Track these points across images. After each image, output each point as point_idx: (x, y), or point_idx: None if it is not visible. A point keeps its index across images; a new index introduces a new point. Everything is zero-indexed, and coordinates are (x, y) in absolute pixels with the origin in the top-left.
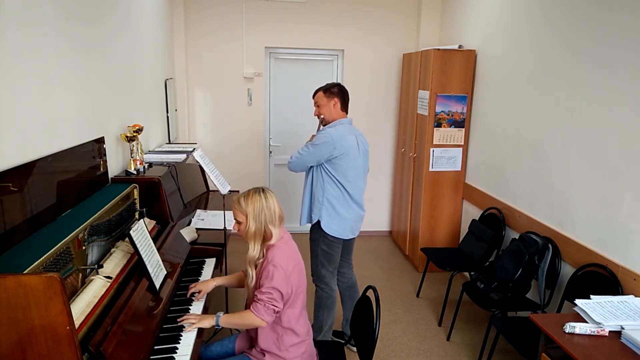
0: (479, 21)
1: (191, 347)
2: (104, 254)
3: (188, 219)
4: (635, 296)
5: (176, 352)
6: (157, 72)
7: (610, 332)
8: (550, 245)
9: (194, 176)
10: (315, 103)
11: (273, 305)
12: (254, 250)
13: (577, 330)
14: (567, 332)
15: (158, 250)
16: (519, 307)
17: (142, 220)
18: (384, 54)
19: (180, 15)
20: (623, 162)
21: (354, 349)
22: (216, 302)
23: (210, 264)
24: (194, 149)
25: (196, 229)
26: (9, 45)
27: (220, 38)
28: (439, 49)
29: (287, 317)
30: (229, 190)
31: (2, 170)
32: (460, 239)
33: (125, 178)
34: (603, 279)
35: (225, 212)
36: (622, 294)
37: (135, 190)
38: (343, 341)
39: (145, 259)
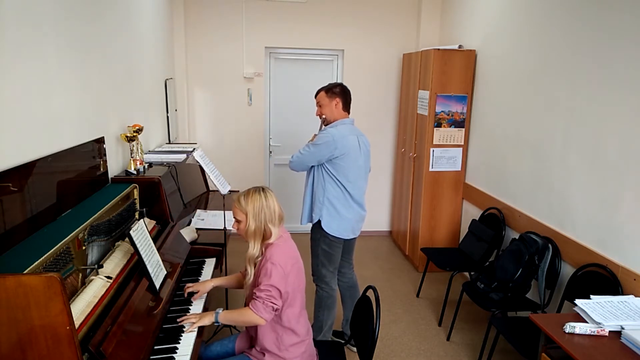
0: (479, 21)
1: (191, 347)
2: (104, 254)
3: (188, 219)
4: (635, 296)
5: (176, 352)
6: (157, 72)
7: (610, 332)
8: (550, 245)
9: (194, 176)
10: (317, 103)
11: (272, 302)
12: (254, 248)
13: (577, 330)
14: (567, 332)
15: (158, 250)
16: (519, 307)
17: (142, 220)
18: (384, 54)
19: (180, 15)
20: (623, 162)
21: (354, 349)
22: (216, 302)
23: (210, 264)
24: (194, 149)
25: (196, 229)
26: (9, 45)
27: (220, 38)
28: (439, 49)
29: (287, 316)
30: (229, 190)
31: (2, 170)
32: (460, 239)
33: (125, 178)
34: (603, 279)
35: (225, 212)
36: (622, 294)
37: (135, 190)
38: (343, 341)
39: (145, 259)
